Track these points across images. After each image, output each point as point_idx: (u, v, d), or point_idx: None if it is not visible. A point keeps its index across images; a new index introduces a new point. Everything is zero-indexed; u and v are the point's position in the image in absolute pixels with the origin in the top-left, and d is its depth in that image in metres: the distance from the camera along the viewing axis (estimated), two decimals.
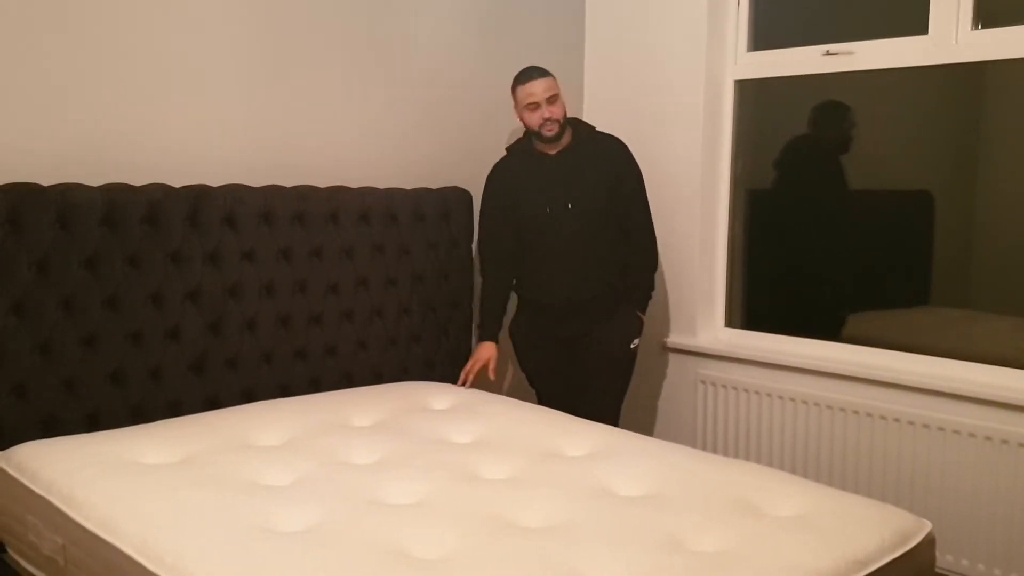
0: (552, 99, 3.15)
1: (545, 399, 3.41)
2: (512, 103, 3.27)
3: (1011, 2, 3.00)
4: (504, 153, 3.40)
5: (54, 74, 2.65)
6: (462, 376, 3.36)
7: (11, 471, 2.35)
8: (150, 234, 2.73)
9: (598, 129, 3.35)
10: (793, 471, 3.29)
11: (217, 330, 2.90)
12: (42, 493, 2.22)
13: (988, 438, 2.93)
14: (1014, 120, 3.22)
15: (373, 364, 3.30)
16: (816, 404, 3.33)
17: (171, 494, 2.11)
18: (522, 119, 3.23)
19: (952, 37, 3.06)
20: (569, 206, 3.19)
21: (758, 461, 3.43)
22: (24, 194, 2.50)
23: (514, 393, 3.70)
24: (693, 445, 3.55)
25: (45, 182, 2.57)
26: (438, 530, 1.97)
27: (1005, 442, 2.90)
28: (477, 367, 3.35)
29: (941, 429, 3.03)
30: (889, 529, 2.03)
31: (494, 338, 3.39)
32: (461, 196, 3.51)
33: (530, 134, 3.26)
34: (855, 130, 3.59)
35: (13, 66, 2.58)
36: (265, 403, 2.86)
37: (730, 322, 3.79)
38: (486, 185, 3.37)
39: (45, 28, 2.63)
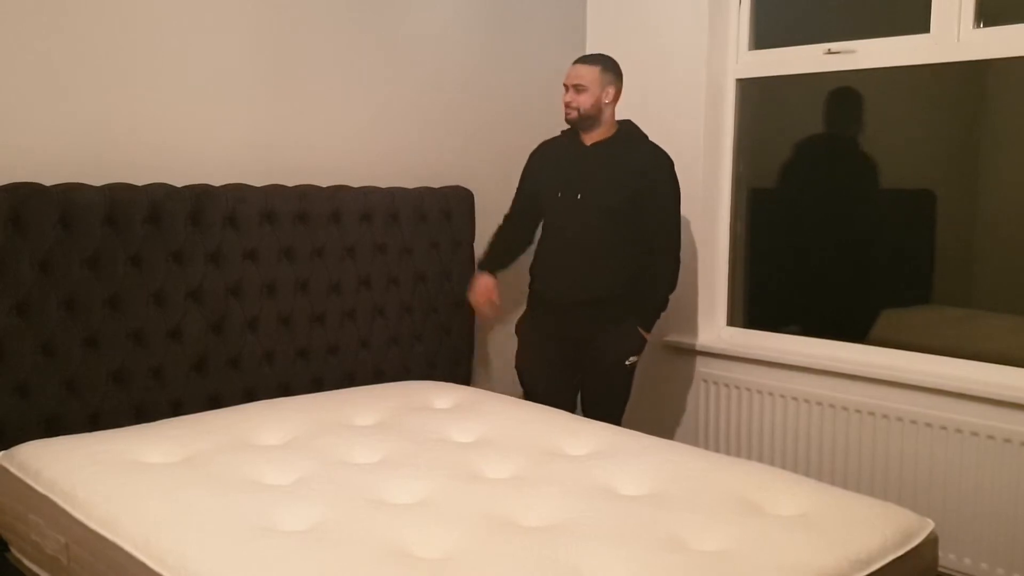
0: (578, 88, 3.09)
1: (534, 399, 3.29)
2: (520, 96, 3.33)
3: (1013, 0, 3.00)
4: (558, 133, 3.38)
5: (56, 74, 2.66)
6: (480, 311, 3.37)
7: (14, 470, 2.35)
8: (152, 234, 2.74)
9: (650, 139, 3.25)
10: (795, 470, 3.29)
11: (219, 329, 2.90)
12: (44, 492, 2.22)
13: (990, 437, 2.93)
14: (1016, 119, 3.22)
15: (375, 363, 3.31)
16: (818, 403, 3.32)
17: (173, 493, 2.11)
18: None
19: (954, 35, 3.06)
20: (579, 197, 3.11)
21: (760, 460, 3.43)
22: (26, 194, 2.51)
23: (518, 391, 3.70)
24: (695, 444, 3.55)
25: (47, 182, 2.58)
26: (440, 529, 1.97)
27: (1008, 441, 2.90)
28: (482, 299, 3.32)
29: (943, 428, 3.02)
30: (891, 528, 2.03)
31: (489, 269, 3.36)
32: (463, 195, 3.51)
33: None
34: (865, 122, 3.58)
35: (15, 66, 2.58)
36: (267, 402, 2.86)
37: (732, 321, 3.79)
38: (529, 157, 3.38)
39: (47, 28, 2.63)
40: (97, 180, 2.67)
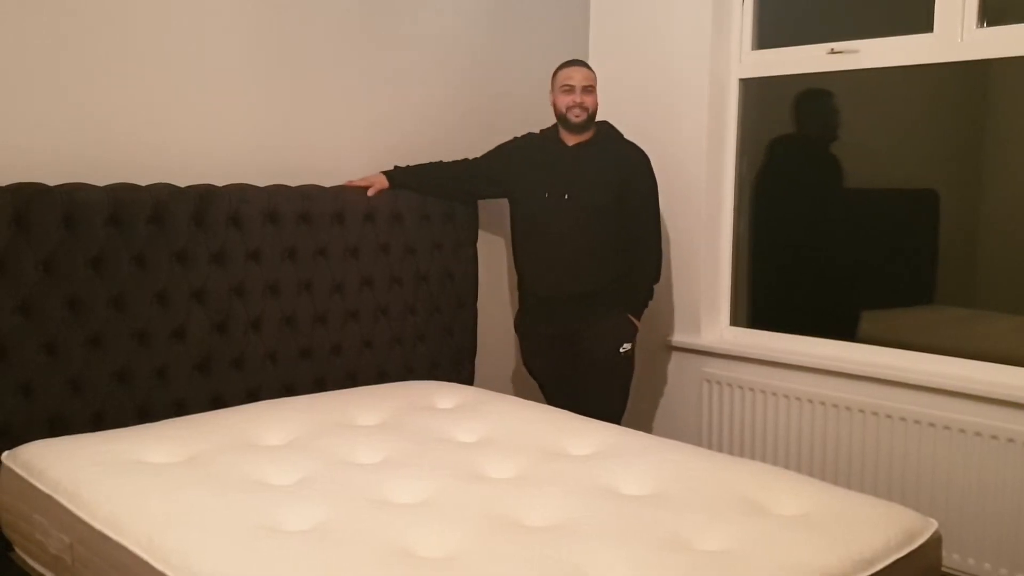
0: (588, 89, 3.21)
1: (548, 395, 3.45)
2: (524, 96, 3.35)
3: (1016, 0, 3.00)
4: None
5: (60, 74, 2.66)
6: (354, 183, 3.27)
7: (18, 470, 2.36)
8: (156, 234, 2.74)
9: (625, 137, 3.37)
10: (798, 470, 3.29)
11: (222, 330, 2.90)
12: (48, 492, 2.22)
13: (994, 436, 2.93)
14: (1019, 118, 3.21)
15: (378, 363, 3.31)
16: (821, 403, 3.32)
17: (177, 493, 2.12)
18: (554, 102, 3.27)
19: (957, 35, 3.05)
20: (567, 197, 3.20)
21: (763, 460, 3.43)
22: (30, 194, 2.51)
23: (521, 391, 3.71)
24: (698, 444, 3.54)
25: (51, 182, 2.58)
26: (443, 529, 1.97)
27: (1011, 440, 2.89)
28: (368, 187, 3.24)
29: (947, 428, 3.02)
30: (895, 528, 2.03)
31: (391, 176, 3.30)
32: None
33: (558, 122, 3.29)
34: (843, 121, 3.59)
35: (19, 66, 2.59)
36: (270, 402, 2.86)
37: (735, 320, 3.79)
38: (502, 146, 3.42)
39: (50, 28, 2.63)
40: (101, 180, 2.68)
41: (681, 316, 3.80)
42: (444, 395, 3.04)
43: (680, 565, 1.82)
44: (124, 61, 2.78)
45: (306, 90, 3.19)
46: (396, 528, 1.96)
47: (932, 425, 3.05)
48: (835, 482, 3.13)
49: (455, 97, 3.61)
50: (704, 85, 3.64)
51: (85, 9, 2.69)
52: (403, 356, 3.38)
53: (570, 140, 3.28)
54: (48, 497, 2.22)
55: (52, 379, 2.58)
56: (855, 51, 3.33)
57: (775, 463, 3.38)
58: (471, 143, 3.64)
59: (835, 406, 3.29)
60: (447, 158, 3.57)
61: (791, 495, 2.19)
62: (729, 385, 3.60)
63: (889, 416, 3.15)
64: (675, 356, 3.81)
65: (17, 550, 2.40)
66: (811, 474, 3.25)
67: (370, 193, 3.23)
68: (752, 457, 3.47)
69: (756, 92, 3.70)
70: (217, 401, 2.89)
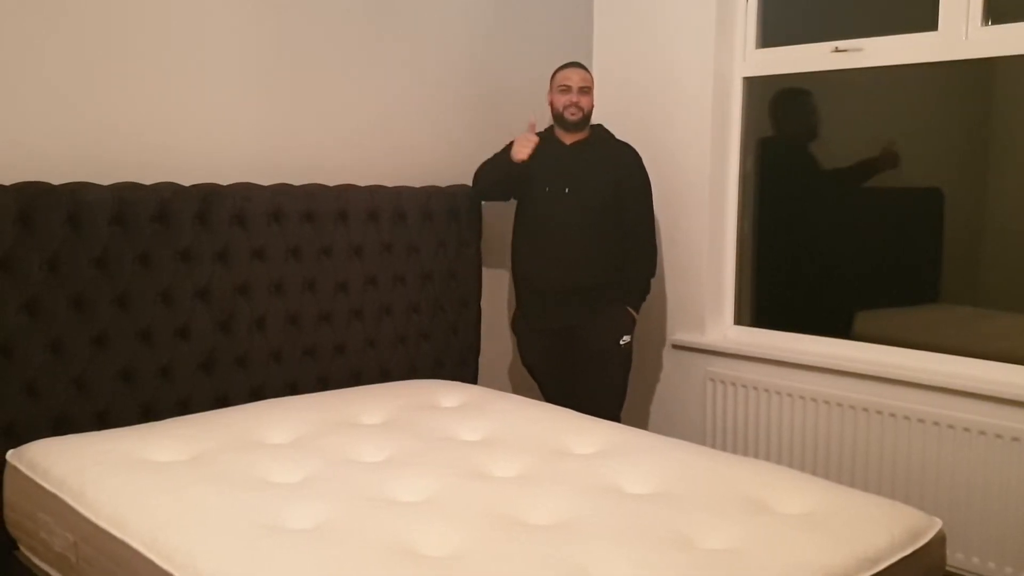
0: (584, 90, 3.32)
1: (547, 392, 3.47)
2: (528, 94, 3.39)
3: None
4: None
5: (64, 73, 2.67)
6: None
7: (22, 469, 2.36)
8: (160, 233, 2.74)
9: (617, 137, 3.47)
10: (802, 469, 3.28)
11: (226, 328, 2.91)
12: (53, 490, 2.23)
13: (998, 436, 2.92)
14: None
15: (382, 362, 3.31)
16: (825, 402, 3.32)
17: (181, 491, 2.12)
18: (551, 102, 3.37)
19: (962, 33, 3.05)
20: (567, 191, 3.29)
21: (767, 459, 3.42)
22: (35, 193, 2.51)
23: (524, 390, 3.71)
24: (702, 443, 3.54)
25: (55, 181, 2.58)
26: (446, 527, 1.97)
27: (1016, 439, 2.89)
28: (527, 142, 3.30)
29: (951, 427, 3.02)
30: (899, 527, 2.02)
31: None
32: (470, 194, 3.51)
33: (555, 121, 3.38)
34: (845, 120, 3.60)
35: (23, 65, 2.59)
36: (274, 401, 2.87)
37: (739, 319, 3.79)
38: (510, 143, 3.41)
39: (54, 27, 2.64)
40: (105, 179, 2.68)
41: (685, 315, 3.79)
42: (448, 394, 3.05)
43: (684, 564, 1.82)
44: (128, 61, 2.78)
45: (310, 89, 3.19)
46: (400, 527, 1.96)
47: (936, 424, 3.05)
48: (839, 481, 3.13)
49: (459, 97, 3.61)
50: (708, 83, 3.63)
51: (89, 8, 2.69)
52: (407, 355, 3.38)
53: (567, 139, 3.38)
54: (53, 495, 2.22)
55: (57, 378, 2.58)
56: (859, 49, 3.32)
57: (779, 462, 3.38)
58: (475, 141, 3.64)
59: (839, 405, 3.28)
60: (450, 156, 3.59)
61: (795, 494, 2.19)
62: (733, 384, 3.60)
63: (893, 415, 3.15)
64: (679, 355, 3.81)
65: (22, 548, 2.41)
66: (815, 473, 3.24)
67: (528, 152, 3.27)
68: (756, 456, 3.47)
69: (760, 91, 3.70)
70: (221, 400, 2.90)
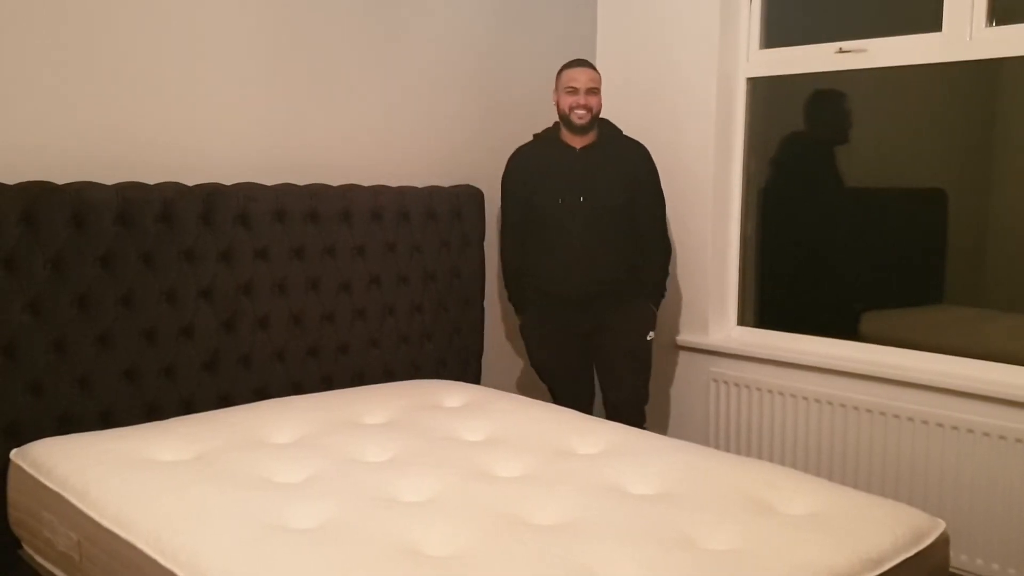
0: (592, 91, 3.21)
1: (558, 393, 3.42)
2: (531, 95, 3.37)
3: None
4: (531, 139, 3.44)
5: (68, 74, 2.67)
6: None
7: (26, 468, 2.37)
8: (164, 232, 2.75)
9: (624, 133, 3.41)
10: (806, 469, 3.28)
11: (230, 328, 2.91)
12: (57, 489, 2.23)
13: (1002, 437, 2.92)
14: None
15: (385, 362, 3.31)
16: (829, 403, 3.31)
17: (184, 491, 2.12)
18: (557, 103, 3.28)
19: (966, 34, 3.04)
20: (582, 199, 3.22)
21: (770, 459, 3.42)
22: (39, 192, 2.52)
23: (527, 390, 3.71)
24: (705, 443, 3.54)
25: (60, 180, 2.59)
26: (450, 527, 1.97)
27: (1019, 441, 2.88)
28: None
29: (955, 428, 3.01)
30: (903, 528, 2.02)
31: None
32: (473, 194, 3.51)
33: (560, 123, 3.31)
34: (852, 121, 3.58)
35: (27, 65, 2.60)
36: (278, 401, 2.87)
37: (742, 320, 3.78)
38: (506, 166, 3.42)
39: (58, 27, 2.64)
40: (109, 179, 2.68)
41: (689, 315, 3.79)
42: (451, 394, 3.05)
43: (688, 564, 1.82)
44: (132, 60, 2.78)
45: (314, 89, 3.19)
46: (403, 526, 1.96)
47: (940, 425, 3.04)
48: (843, 482, 3.12)
49: (462, 97, 3.61)
50: (711, 84, 3.63)
51: (92, 8, 2.70)
52: (410, 355, 3.38)
53: (576, 142, 3.29)
54: (56, 495, 2.23)
55: (61, 377, 2.59)
56: (863, 50, 3.32)
57: (783, 462, 3.38)
58: (478, 142, 3.65)
59: (843, 406, 3.28)
60: (454, 156, 3.58)
61: (799, 494, 2.19)
62: (736, 385, 3.59)
63: (897, 416, 3.14)
64: (683, 355, 3.81)
65: (26, 547, 2.42)
66: (819, 474, 3.24)
67: None
68: (760, 457, 3.47)
69: (764, 91, 3.70)
70: (225, 399, 2.90)
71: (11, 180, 2.51)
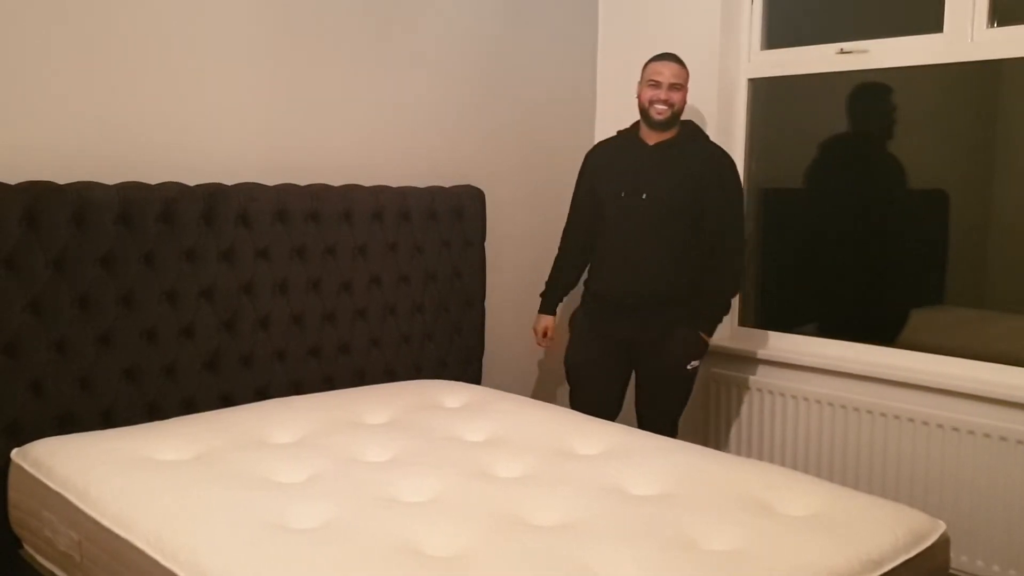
0: (675, 86, 3.07)
1: (580, 396, 3.26)
2: (531, 95, 3.34)
3: None
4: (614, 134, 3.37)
5: (70, 73, 2.67)
6: (539, 341, 3.46)
7: (27, 467, 2.37)
8: (165, 232, 2.75)
9: (710, 138, 3.27)
10: (806, 470, 3.28)
11: (231, 328, 2.91)
12: (58, 489, 2.23)
13: (1003, 438, 2.92)
14: None
15: (386, 362, 3.31)
16: (830, 403, 3.32)
17: (185, 490, 2.12)
18: (639, 95, 3.13)
19: (967, 35, 3.05)
20: (644, 196, 3.08)
21: (771, 460, 3.42)
22: (40, 192, 2.52)
23: (529, 390, 3.71)
24: (705, 444, 3.54)
25: (61, 180, 2.59)
26: (451, 527, 1.97)
27: (1020, 443, 2.88)
28: (543, 341, 3.44)
29: (956, 429, 3.01)
30: (903, 529, 2.02)
31: (551, 311, 3.41)
32: (474, 194, 3.51)
33: (641, 117, 3.17)
34: (880, 121, 3.54)
35: (29, 65, 2.60)
36: (278, 400, 2.87)
37: (744, 320, 3.78)
38: (584, 160, 3.36)
39: (60, 27, 2.64)
40: (111, 179, 2.68)
41: None
42: (452, 394, 3.05)
43: (688, 565, 1.82)
44: (134, 60, 2.78)
45: (315, 90, 3.19)
46: (404, 526, 1.96)
47: (941, 426, 3.04)
48: (843, 483, 3.12)
49: (462, 96, 3.61)
50: (713, 85, 3.63)
51: (94, 7, 2.70)
52: (411, 355, 3.38)
53: (651, 138, 3.14)
54: (57, 494, 2.23)
55: (62, 377, 2.59)
56: (864, 51, 3.32)
57: (783, 464, 3.38)
58: (479, 142, 3.65)
59: (843, 407, 3.28)
60: (455, 156, 3.58)
61: (799, 496, 2.19)
62: (737, 385, 3.60)
63: (897, 417, 3.14)
64: None
65: (26, 547, 2.42)
66: (819, 475, 3.24)
67: (545, 341, 3.43)
68: (760, 458, 3.47)
69: (765, 92, 3.70)
70: (226, 399, 2.90)
71: (13, 180, 2.51)
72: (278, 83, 3.10)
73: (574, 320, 3.36)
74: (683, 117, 3.17)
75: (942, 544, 2.08)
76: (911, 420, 3.11)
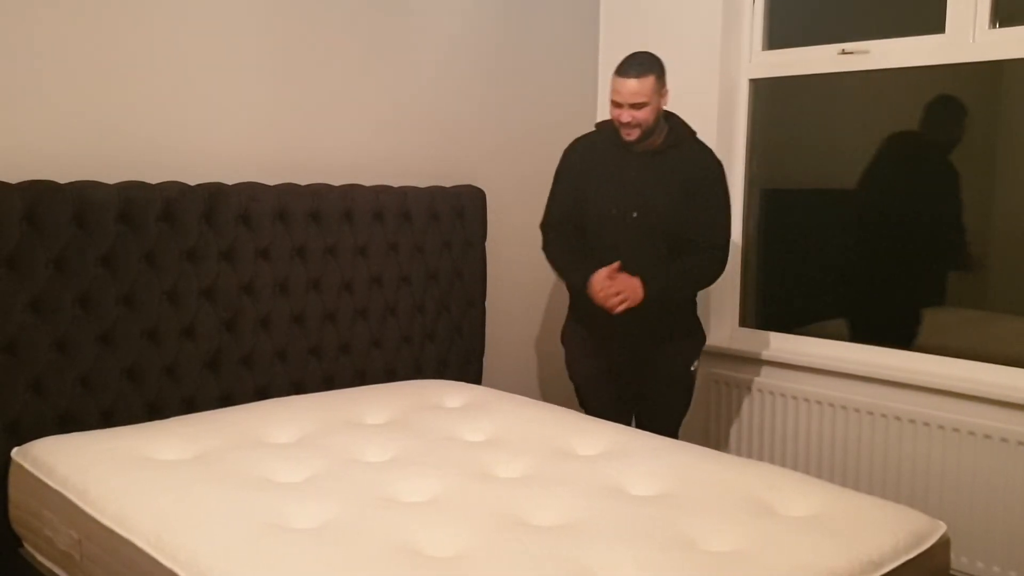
0: (638, 106, 2.83)
1: (593, 411, 3.15)
2: (532, 95, 3.29)
3: None
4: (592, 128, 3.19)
5: (71, 73, 2.67)
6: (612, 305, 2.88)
7: (28, 466, 2.37)
8: (166, 232, 2.75)
9: (697, 137, 3.08)
10: (807, 471, 3.28)
11: (232, 328, 2.91)
12: (58, 488, 2.24)
13: (1004, 439, 2.92)
14: None
15: (387, 362, 3.31)
16: (830, 404, 3.31)
17: (185, 490, 2.13)
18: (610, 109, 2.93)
19: (969, 36, 3.04)
20: (635, 215, 2.94)
21: (771, 461, 3.42)
22: (41, 191, 2.52)
23: (529, 390, 3.70)
24: (706, 445, 3.53)
25: (62, 180, 2.59)
26: (450, 528, 1.97)
27: (1021, 444, 2.88)
28: (609, 295, 2.87)
29: (956, 430, 3.01)
30: (904, 530, 2.02)
31: (592, 271, 2.91)
32: (475, 194, 3.51)
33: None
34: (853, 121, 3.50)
35: (29, 64, 2.60)
36: (279, 400, 2.87)
37: (744, 321, 3.78)
38: (562, 157, 3.13)
39: (61, 26, 2.64)
40: (111, 178, 2.69)
41: None
42: (452, 394, 3.05)
43: (688, 566, 1.82)
44: (135, 59, 2.79)
45: (316, 89, 3.19)
46: (404, 527, 1.96)
47: (941, 427, 3.04)
48: (843, 484, 3.12)
49: (463, 96, 3.61)
50: (714, 85, 3.63)
51: (95, 7, 2.70)
52: (412, 355, 3.38)
53: (637, 146, 2.95)
54: (57, 493, 2.23)
55: (62, 376, 2.59)
56: (866, 52, 3.32)
57: (783, 464, 3.38)
58: (480, 142, 3.65)
59: (844, 408, 3.28)
60: (456, 156, 3.58)
61: (799, 496, 2.19)
62: (738, 386, 3.60)
63: (898, 418, 3.14)
64: None
65: (26, 546, 2.42)
66: (819, 475, 3.24)
67: (613, 295, 2.86)
68: (760, 458, 3.47)
69: (766, 92, 3.69)
70: (226, 399, 2.90)
71: (13, 179, 2.51)
72: (279, 83, 3.10)
73: (565, 336, 3.24)
74: (683, 117, 3.08)
75: (942, 545, 2.08)
76: (912, 421, 3.11)
